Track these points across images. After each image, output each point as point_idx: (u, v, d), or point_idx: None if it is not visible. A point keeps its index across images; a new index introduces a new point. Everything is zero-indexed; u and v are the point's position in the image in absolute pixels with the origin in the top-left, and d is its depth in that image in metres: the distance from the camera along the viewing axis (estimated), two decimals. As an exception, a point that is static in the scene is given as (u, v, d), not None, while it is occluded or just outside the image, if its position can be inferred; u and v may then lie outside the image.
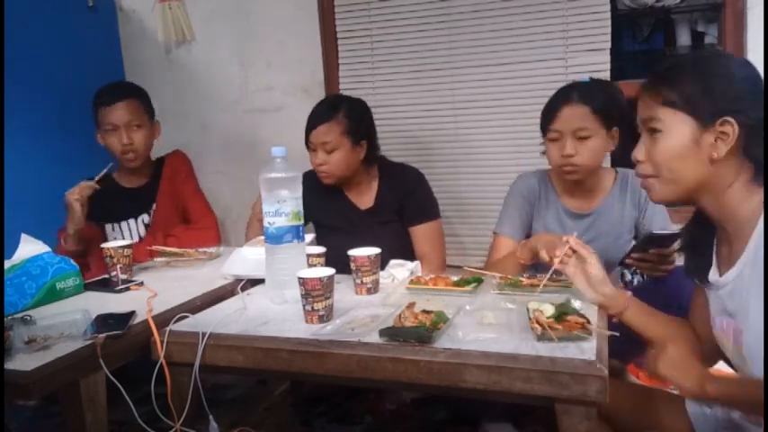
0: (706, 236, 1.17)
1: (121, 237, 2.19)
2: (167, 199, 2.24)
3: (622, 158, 2.16)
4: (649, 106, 1.09)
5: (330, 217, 2.07)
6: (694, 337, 1.25)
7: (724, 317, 1.12)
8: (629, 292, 1.32)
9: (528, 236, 1.81)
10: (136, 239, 2.17)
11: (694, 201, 1.12)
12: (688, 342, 1.22)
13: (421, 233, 2.00)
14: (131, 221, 2.22)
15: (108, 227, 2.21)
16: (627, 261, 1.59)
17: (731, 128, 1.01)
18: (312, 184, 2.06)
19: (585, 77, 2.13)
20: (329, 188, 2.04)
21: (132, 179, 2.23)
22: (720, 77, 1.04)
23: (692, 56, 1.17)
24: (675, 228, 1.66)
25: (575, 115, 1.66)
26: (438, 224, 2.04)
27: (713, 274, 1.14)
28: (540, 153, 1.83)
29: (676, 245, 1.46)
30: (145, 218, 2.23)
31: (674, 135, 1.06)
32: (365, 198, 2.06)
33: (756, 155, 1.03)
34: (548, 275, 1.38)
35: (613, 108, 1.68)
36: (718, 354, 1.20)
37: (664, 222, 1.76)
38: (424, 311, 1.24)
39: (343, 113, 1.94)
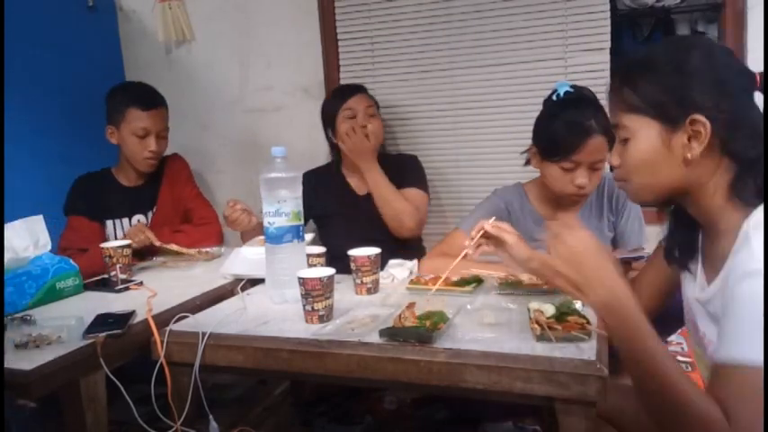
0: (689, 224, 1.09)
1: (117, 235, 2.18)
2: (168, 202, 2.25)
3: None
4: (613, 112, 1.04)
5: (330, 205, 2.16)
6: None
7: (704, 326, 1.06)
8: None
9: None
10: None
11: (675, 202, 1.07)
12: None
13: (408, 194, 2.10)
14: (125, 220, 2.22)
15: (109, 223, 2.21)
16: None
17: (702, 126, 0.94)
18: (313, 182, 2.12)
19: (587, 78, 2.14)
20: (330, 178, 2.19)
21: (132, 178, 2.24)
22: (680, 73, 0.96)
23: (650, 52, 1.03)
24: (644, 246, 1.66)
25: (597, 148, 1.58)
26: (422, 195, 2.13)
27: (700, 278, 1.07)
28: (522, 164, 1.81)
29: (641, 262, 1.43)
30: (141, 218, 2.23)
31: (642, 140, 1.00)
32: (364, 183, 2.13)
33: (739, 151, 0.95)
34: (458, 260, 1.36)
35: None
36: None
37: (639, 229, 1.73)
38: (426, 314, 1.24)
39: (368, 93, 2.19)
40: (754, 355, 0.84)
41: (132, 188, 2.24)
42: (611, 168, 1.11)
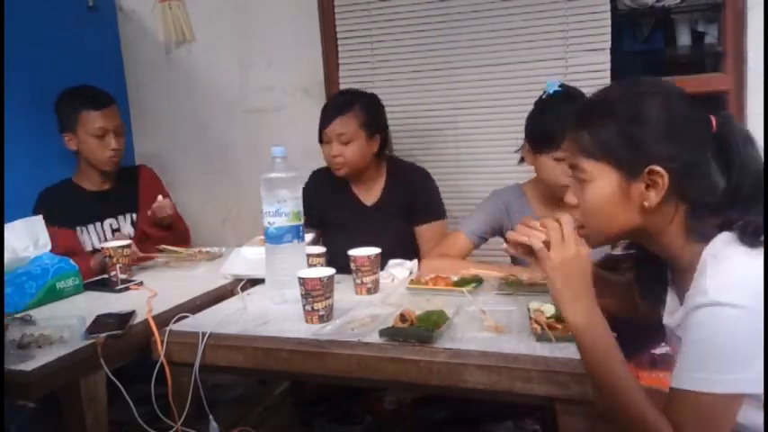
0: (655, 261, 1.09)
1: (90, 241, 2.19)
2: (148, 207, 2.23)
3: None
4: (572, 152, 1.02)
5: (335, 213, 2.09)
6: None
7: (670, 331, 1.07)
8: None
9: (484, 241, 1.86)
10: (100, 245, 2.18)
11: (634, 240, 1.07)
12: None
13: (426, 232, 2.03)
14: (97, 225, 2.22)
15: (79, 230, 2.19)
16: None
17: (660, 177, 0.93)
18: (319, 182, 2.09)
19: (587, 78, 2.14)
20: (336, 184, 2.08)
21: (97, 182, 2.24)
22: (639, 123, 0.95)
23: (608, 97, 1.02)
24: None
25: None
26: (443, 224, 2.06)
27: (671, 302, 1.07)
28: (517, 162, 1.83)
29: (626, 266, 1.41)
30: (112, 222, 2.23)
31: (599, 187, 0.98)
32: (371, 194, 2.08)
33: (695, 197, 0.95)
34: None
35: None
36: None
37: None
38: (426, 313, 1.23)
39: (359, 106, 2.00)
40: (708, 383, 0.86)
41: (99, 192, 2.24)
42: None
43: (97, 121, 2.13)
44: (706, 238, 0.95)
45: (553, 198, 1.75)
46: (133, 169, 2.37)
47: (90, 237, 2.20)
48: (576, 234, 0.99)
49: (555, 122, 1.61)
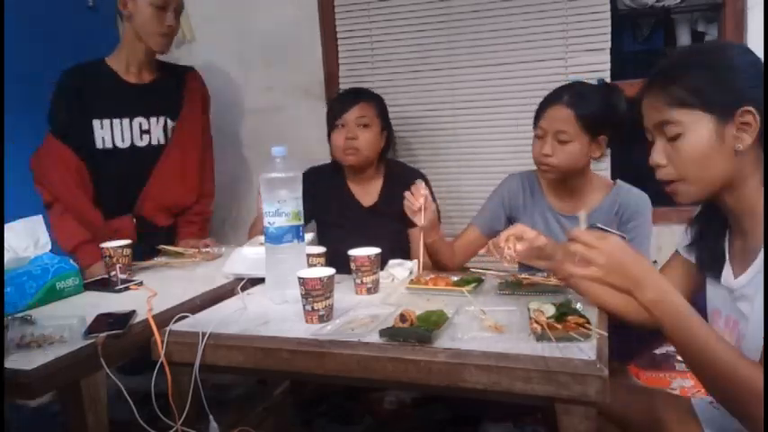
0: (717, 229, 1.14)
1: (111, 137, 2.03)
2: (189, 121, 2.15)
3: (626, 165, 2.17)
4: (659, 110, 1.05)
5: (331, 213, 2.09)
6: None
7: (731, 314, 1.09)
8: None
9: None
10: (155, 141, 2.08)
11: (717, 197, 1.08)
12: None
13: (416, 234, 1.93)
14: (124, 121, 2.02)
15: (96, 123, 2.03)
16: None
17: (752, 117, 0.99)
18: (316, 179, 2.06)
19: (587, 77, 2.14)
20: (333, 183, 2.08)
21: (134, 73, 2.07)
22: (728, 68, 1.02)
23: (693, 50, 1.11)
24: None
25: (558, 117, 1.67)
26: None
27: (727, 273, 1.11)
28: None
29: None
30: (143, 123, 2.05)
31: (696, 134, 1.02)
32: (369, 195, 2.08)
33: None
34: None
35: (606, 115, 1.67)
36: None
37: (641, 246, 1.71)
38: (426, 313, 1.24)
39: (375, 99, 2.08)
40: None
41: (135, 84, 2.06)
42: (654, 170, 1.09)
43: None
44: None
45: (565, 188, 1.78)
46: (180, 69, 2.20)
47: (112, 132, 2.02)
48: (594, 232, 1.06)
49: (547, 99, 1.74)
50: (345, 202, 2.08)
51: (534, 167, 1.83)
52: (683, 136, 1.03)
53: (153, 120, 2.09)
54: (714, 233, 1.15)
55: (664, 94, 1.05)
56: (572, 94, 1.68)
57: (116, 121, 2.04)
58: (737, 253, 1.09)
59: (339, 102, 2.08)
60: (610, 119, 1.67)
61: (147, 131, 2.07)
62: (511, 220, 1.85)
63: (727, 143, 1.01)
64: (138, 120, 2.07)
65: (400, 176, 2.06)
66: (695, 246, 1.20)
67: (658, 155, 1.07)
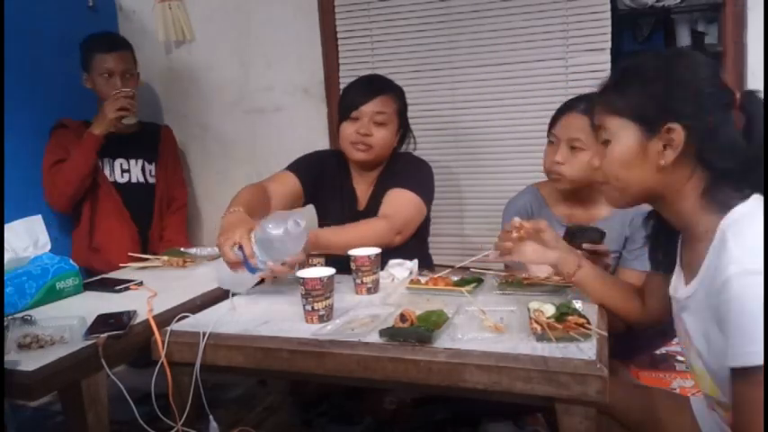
0: (668, 230, 1.14)
1: (120, 172, 2.38)
2: (164, 170, 2.47)
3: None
4: (599, 114, 1.09)
5: (327, 205, 2.00)
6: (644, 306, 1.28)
7: (680, 321, 1.09)
8: (580, 251, 1.38)
9: None
10: (135, 179, 2.41)
11: (651, 204, 1.12)
12: (638, 308, 1.27)
13: (390, 196, 1.82)
14: (107, 160, 2.35)
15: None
16: None
17: (677, 134, 0.98)
18: (321, 171, 1.95)
19: (587, 78, 2.14)
20: (337, 182, 1.97)
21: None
22: (665, 81, 1.00)
23: (640, 60, 1.08)
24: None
25: (573, 125, 1.64)
26: (412, 197, 1.82)
27: (677, 278, 1.11)
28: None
29: (607, 260, 1.54)
30: (123, 163, 2.38)
31: (621, 143, 1.04)
32: (366, 195, 2.04)
33: (713, 162, 0.98)
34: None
35: None
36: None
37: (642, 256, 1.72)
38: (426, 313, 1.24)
39: (397, 94, 1.91)
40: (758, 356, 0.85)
41: (114, 133, 2.29)
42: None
43: (106, 62, 2.29)
44: (723, 208, 0.97)
45: (570, 195, 1.75)
46: (155, 125, 2.55)
47: (113, 169, 2.37)
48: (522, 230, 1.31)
49: (563, 107, 1.72)
50: (346, 202, 1.99)
51: (531, 181, 1.83)
52: (610, 142, 1.06)
53: (132, 161, 2.42)
54: (666, 234, 1.16)
55: (604, 99, 1.07)
56: (589, 102, 1.62)
57: (117, 161, 2.40)
58: (686, 258, 1.09)
59: (357, 90, 1.88)
60: None
61: (128, 170, 2.40)
62: None
63: (651, 157, 1.02)
64: (119, 160, 2.40)
65: (393, 166, 1.94)
66: (650, 246, 1.23)
67: (594, 157, 1.12)
